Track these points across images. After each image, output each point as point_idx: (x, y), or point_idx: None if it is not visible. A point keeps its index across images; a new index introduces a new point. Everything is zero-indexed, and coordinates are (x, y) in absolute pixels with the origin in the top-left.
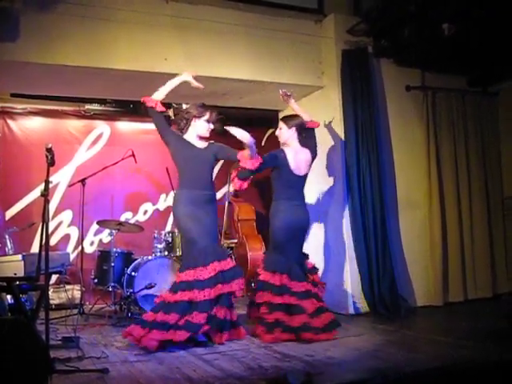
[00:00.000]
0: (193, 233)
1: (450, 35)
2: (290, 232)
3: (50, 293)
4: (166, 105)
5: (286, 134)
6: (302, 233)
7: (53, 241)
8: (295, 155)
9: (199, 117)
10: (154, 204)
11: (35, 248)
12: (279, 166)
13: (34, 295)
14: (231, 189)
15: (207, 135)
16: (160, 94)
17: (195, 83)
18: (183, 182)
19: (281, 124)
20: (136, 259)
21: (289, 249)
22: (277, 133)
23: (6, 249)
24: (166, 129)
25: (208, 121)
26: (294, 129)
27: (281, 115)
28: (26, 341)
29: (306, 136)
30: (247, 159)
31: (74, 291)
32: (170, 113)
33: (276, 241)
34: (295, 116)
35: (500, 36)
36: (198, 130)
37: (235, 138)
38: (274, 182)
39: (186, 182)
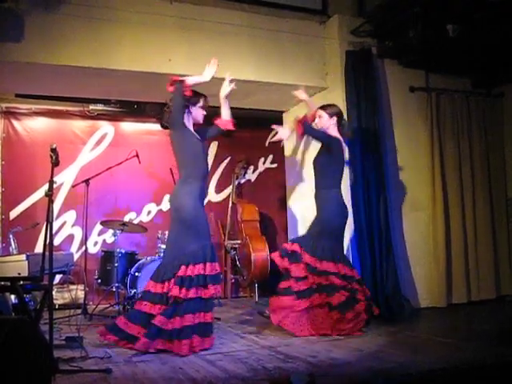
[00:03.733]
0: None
1: (454, 36)
2: (345, 221)
3: (53, 293)
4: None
5: (327, 123)
6: None
7: (57, 241)
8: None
9: (195, 104)
10: (157, 204)
11: (39, 248)
12: (338, 152)
13: (37, 295)
14: None
15: (201, 122)
16: (190, 81)
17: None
18: (192, 173)
19: (321, 112)
20: (139, 259)
21: (343, 237)
22: (316, 121)
23: (10, 249)
24: (181, 116)
25: (203, 107)
26: (334, 118)
27: (285, 116)
28: (30, 340)
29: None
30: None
31: (78, 291)
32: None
33: (335, 227)
34: (334, 105)
35: (505, 37)
36: (195, 118)
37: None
38: (325, 168)
39: (196, 173)
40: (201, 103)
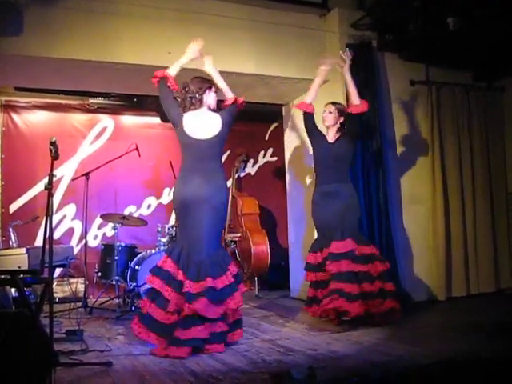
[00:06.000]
0: None
1: (455, 29)
2: None
3: (53, 286)
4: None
5: (334, 121)
6: None
7: (56, 234)
8: None
9: (210, 88)
10: (157, 198)
11: (39, 241)
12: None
13: (37, 288)
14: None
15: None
16: (173, 70)
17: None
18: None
19: (332, 108)
20: (139, 253)
21: None
22: (324, 115)
23: (10, 242)
24: (175, 106)
25: (216, 91)
26: (342, 118)
27: (285, 109)
28: (30, 334)
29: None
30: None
31: (78, 285)
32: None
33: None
34: (343, 105)
35: (505, 30)
36: (210, 102)
37: None
38: (349, 162)
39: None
40: (214, 87)
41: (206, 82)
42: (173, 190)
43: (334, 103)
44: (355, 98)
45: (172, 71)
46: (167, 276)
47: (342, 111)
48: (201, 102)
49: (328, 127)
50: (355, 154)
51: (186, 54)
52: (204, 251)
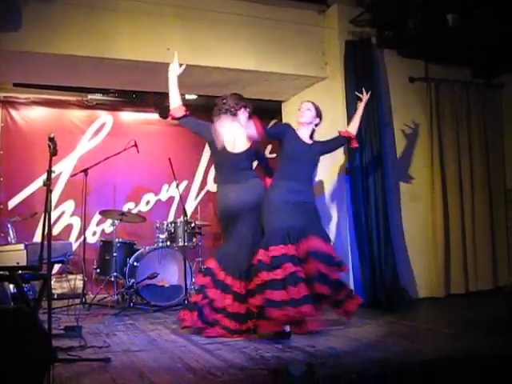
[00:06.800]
0: None
1: (454, 26)
2: None
3: (52, 282)
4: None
5: (311, 120)
6: None
7: (55, 231)
8: None
9: (246, 107)
10: (156, 194)
11: (37, 238)
12: None
13: (36, 285)
14: None
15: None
16: (174, 100)
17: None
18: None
19: (310, 106)
20: (138, 249)
21: None
22: (301, 111)
23: (9, 238)
24: (204, 133)
25: (249, 113)
26: (318, 120)
27: (284, 106)
28: (29, 330)
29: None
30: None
31: (77, 281)
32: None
33: None
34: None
35: (505, 29)
36: (243, 120)
37: None
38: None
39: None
40: (248, 109)
41: (243, 101)
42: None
43: (313, 103)
44: (353, 129)
45: (174, 104)
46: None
47: (320, 113)
48: (235, 116)
49: (302, 124)
50: (355, 151)
51: (169, 81)
52: None
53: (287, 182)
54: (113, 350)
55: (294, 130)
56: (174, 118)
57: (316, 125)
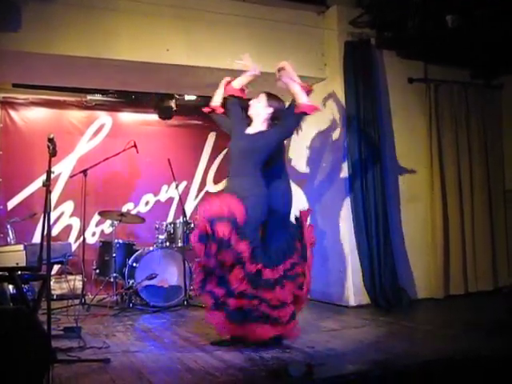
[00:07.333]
0: None
1: (453, 27)
2: None
3: (51, 283)
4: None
5: (261, 111)
6: None
7: (54, 231)
8: None
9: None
10: (155, 195)
11: (37, 238)
12: None
13: (35, 285)
14: None
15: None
16: (217, 98)
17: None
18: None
19: (262, 98)
20: (137, 250)
21: None
22: (252, 102)
23: (8, 239)
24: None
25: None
26: (270, 110)
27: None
28: (28, 331)
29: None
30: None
31: (76, 282)
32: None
33: None
34: (279, 99)
35: (504, 29)
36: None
37: None
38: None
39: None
40: None
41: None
42: None
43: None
44: (302, 99)
45: (216, 102)
46: None
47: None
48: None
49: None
50: (353, 151)
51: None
52: None
53: None
54: (112, 351)
55: None
56: (212, 112)
57: (271, 118)
